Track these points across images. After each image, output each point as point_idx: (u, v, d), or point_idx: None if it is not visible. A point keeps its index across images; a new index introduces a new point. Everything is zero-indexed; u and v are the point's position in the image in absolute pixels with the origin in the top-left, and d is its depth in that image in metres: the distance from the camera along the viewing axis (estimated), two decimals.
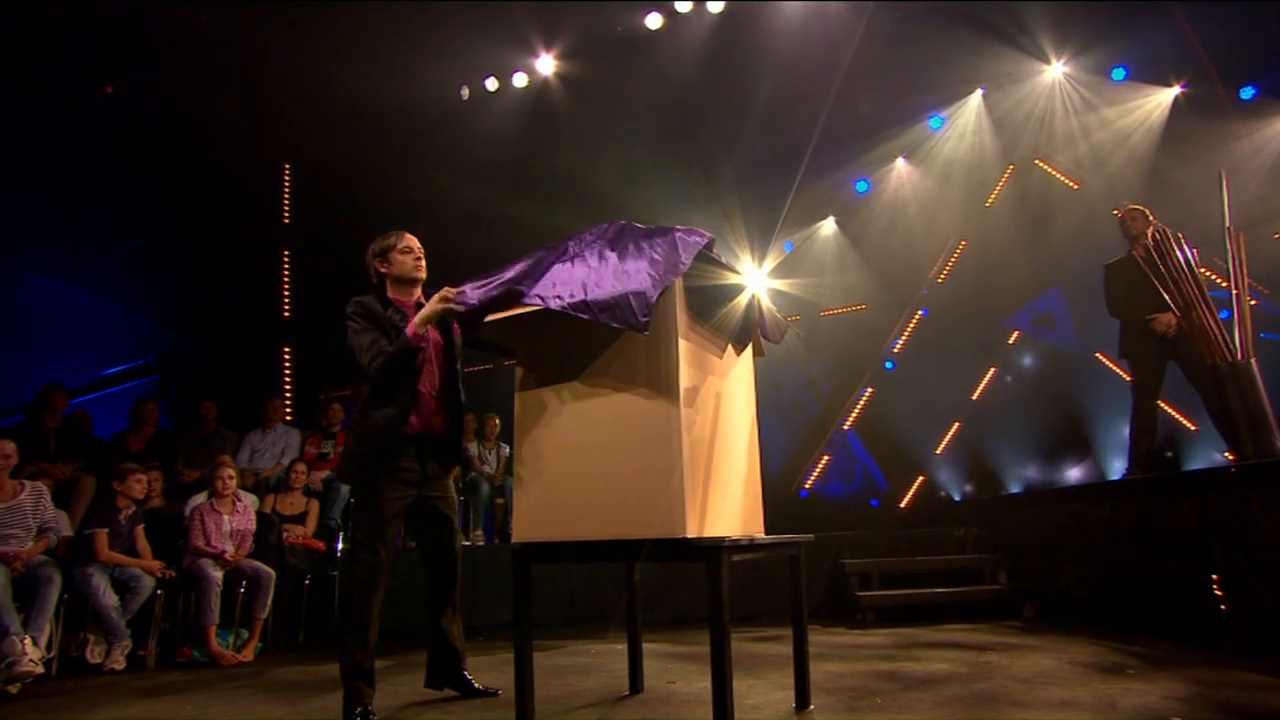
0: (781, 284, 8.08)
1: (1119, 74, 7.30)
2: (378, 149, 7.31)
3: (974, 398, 7.96)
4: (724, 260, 2.33)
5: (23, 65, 6.29)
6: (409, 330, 2.59)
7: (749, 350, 2.64)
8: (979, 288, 7.90)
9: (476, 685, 2.87)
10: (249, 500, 4.78)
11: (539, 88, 7.78)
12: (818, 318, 8.45)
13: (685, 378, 2.07)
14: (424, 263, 2.84)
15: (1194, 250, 4.08)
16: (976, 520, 5.43)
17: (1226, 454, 4.04)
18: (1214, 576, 3.36)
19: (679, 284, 2.12)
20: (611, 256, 2.14)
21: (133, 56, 6.65)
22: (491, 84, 7.84)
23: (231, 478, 4.58)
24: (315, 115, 7.23)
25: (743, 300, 2.44)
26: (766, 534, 2.51)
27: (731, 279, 2.36)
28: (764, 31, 7.21)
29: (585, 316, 2.04)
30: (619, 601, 4.60)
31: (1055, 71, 7.48)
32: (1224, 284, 4.03)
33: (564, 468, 2.17)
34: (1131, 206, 4.80)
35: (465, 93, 7.83)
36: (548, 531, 2.17)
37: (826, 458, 8.26)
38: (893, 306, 8.37)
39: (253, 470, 5.58)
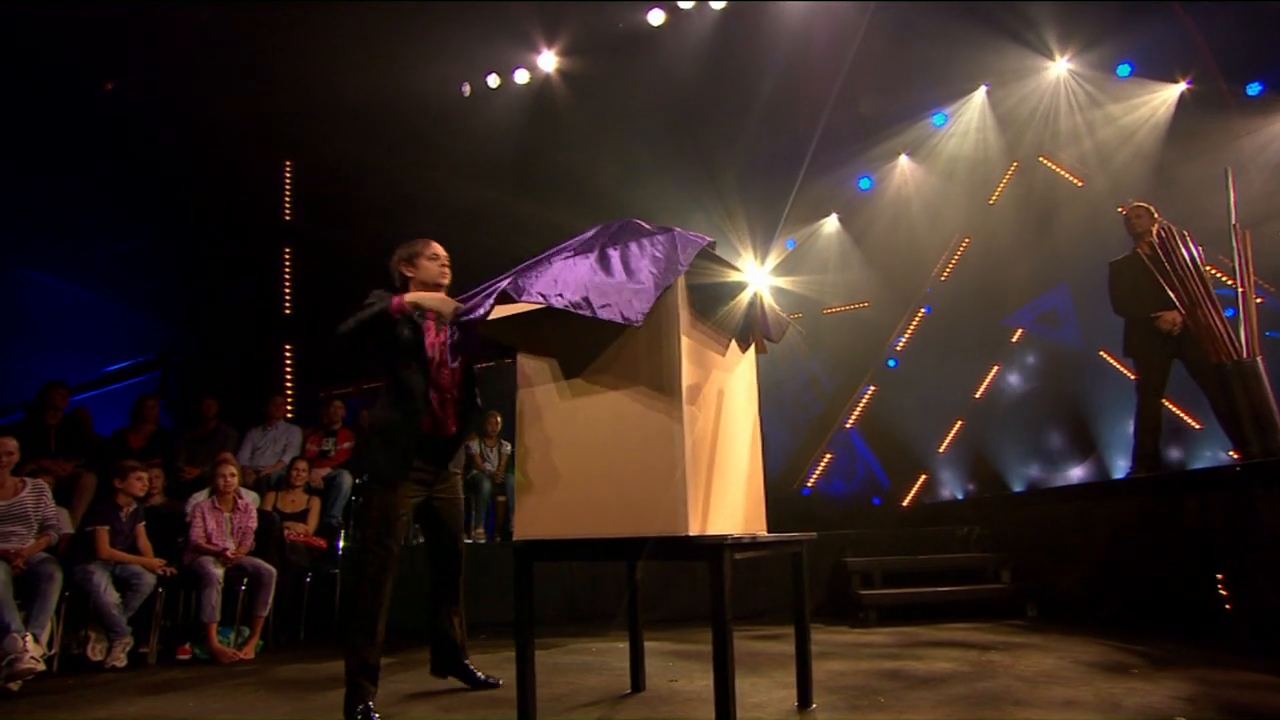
0: (784, 281, 8.07)
1: (1124, 70, 7.27)
2: (379, 146, 7.30)
3: (977, 396, 7.94)
4: (725, 259, 2.32)
5: (23, 63, 6.28)
6: (395, 300, 2.62)
7: (751, 348, 2.63)
8: (982, 286, 7.88)
9: (480, 676, 2.96)
10: (250, 498, 4.78)
11: (540, 84, 7.76)
12: (820, 315, 8.43)
13: (687, 375, 2.06)
14: (449, 270, 2.90)
15: (1199, 248, 4.05)
16: (979, 519, 5.41)
17: (1231, 453, 4.02)
18: (1218, 576, 3.34)
19: (681, 281, 2.12)
20: (613, 255, 2.14)
21: (133, 53, 6.65)
22: (493, 81, 7.83)
23: (233, 475, 4.58)
24: (316, 112, 7.22)
25: (745, 298, 2.43)
26: (769, 532, 2.50)
27: (733, 276, 2.35)
28: (767, 28, 7.19)
29: (586, 314, 2.04)
30: (620, 600, 4.59)
31: (1060, 68, 7.45)
32: (1230, 282, 4.01)
33: (565, 465, 2.16)
34: (1136, 204, 4.78)
35: (467, 89, 7.81)
36: (549, 529, 2.16)
37: (829, 456, 8.24)
38: (895, 304, 8.35)
39: (254, 468, 5.57)
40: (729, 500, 2.24)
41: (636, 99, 7.54)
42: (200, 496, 4.60)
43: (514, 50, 7.61)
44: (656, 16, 7.31)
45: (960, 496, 7.44)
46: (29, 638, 3.40)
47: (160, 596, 4.19)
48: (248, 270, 8.05)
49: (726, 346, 2.43)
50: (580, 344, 2.20)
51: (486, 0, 6.83)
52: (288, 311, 7.98)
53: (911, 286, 8.34)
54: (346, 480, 5.49)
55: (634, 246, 2.13)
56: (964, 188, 8.12)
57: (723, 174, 7.62)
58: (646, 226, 2.21)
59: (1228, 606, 3.29)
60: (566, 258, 2.20)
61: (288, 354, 7.76)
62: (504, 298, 2.20)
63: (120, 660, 3.89)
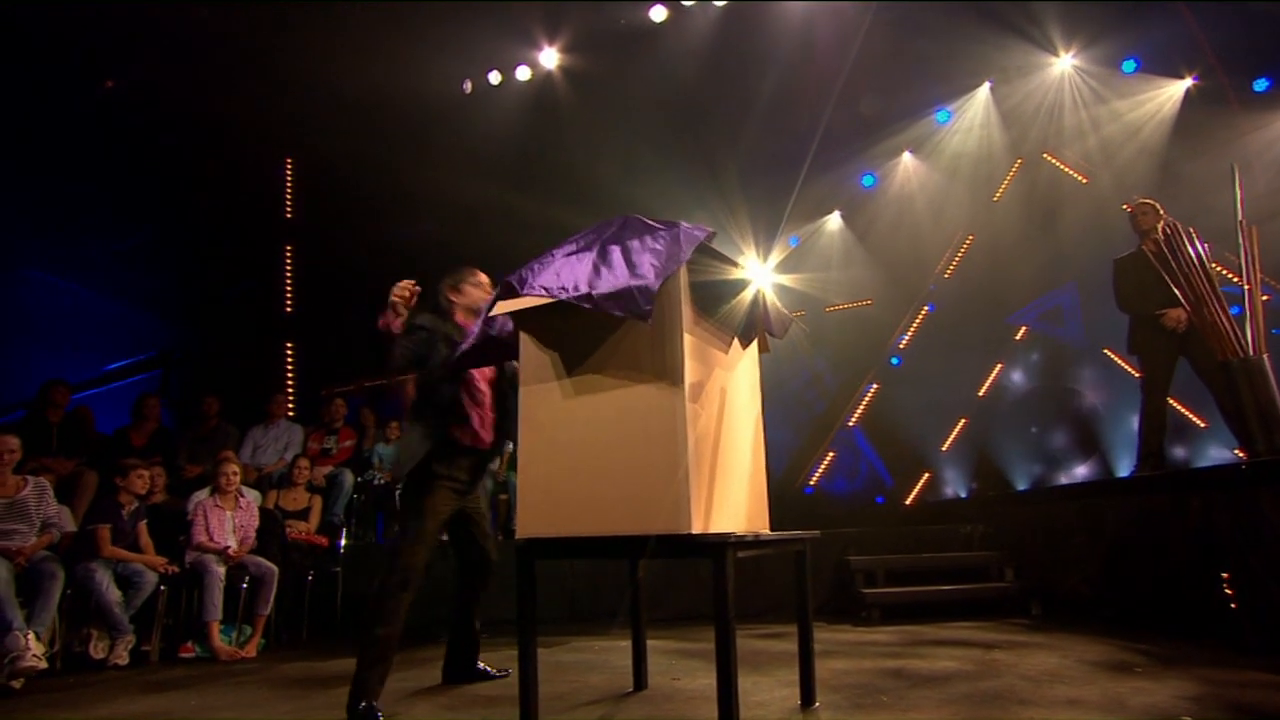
0: (786, 279, 8.05)
1: (1129, 66, 7.22)
2: (380, 143, 7.29)
3: (980, 394, 7.91)
4: (728, 255, 2.31)
5: (23, 61, 6.28)
6: (380, 321, 2.77)
7: (754, 346, 2.61)
8: (986, 283, 7.85)
9: (491, 671, 3.14)
10: (252, 496, 4.78)
11: (542, 82, 7.74)
12: (823, 313, 8.40)
13: (690, 372, 2.05)
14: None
15: (1205, 244, 4.02)
16: (983, 517, 5.39)
17: (1237, 451, 3.99)
18: (1223, 574, 3.32)
19: (684, 279, 2.11)
20: (614, 249, 2.13)
21: (133, 51, 6.64)
22: (495, 78, 7.81)
23: (235, 473, 4.58)
24: (317, 109, 7.21)
25: (747, 295, 2.42)
26: (771, 530, 2.49)
27: (736, 274, 2.33)
28: (769, 24, 7.16)
29: (588, 307, 2.03)
30: (622, 598, 4.58)
31: (1064, 64, 7.41)
32: (1236, 279, 3.98)
33: (568, 463, 2.15)
34: (1142, 200, 4.74)
35: (468, 87, 7.79)
36: (552, 527, 2.15)
37: (832, 454, 8.22)
38: (899, 302, 8.32)
39: (255, 466, 5.57)
40: (732, 498, 2.23)
41: (638, 96, 7.52)
42: (202, 495, 4.60)
43: (516, 47, 7.59)
44: (658, 13, 7.29)
45: (963, 495, 7.41)
46: (31, 636, 3.40)
47: (162, 595, 4.19)
48: (249, 268, 8.05)
49: (729, 344, 2.41)
50: (582, 340, 2.19)
51: None
52: (289, 309, 7.98)
53: (915, 284, 8.31)
54: (348, 478, 5.48)
55: (635, 241, 2.13)
56: (968, 185, 8.09)
57: (725, 171, 7.59)
58: (649, 222, 2.19)
59: (1233, 605, 3.27)
60: (569, 253, 2.20)
61: (289, 351, 7.75)
62: (508, 291, 2.20)
63: (122, 658, 3.90)
